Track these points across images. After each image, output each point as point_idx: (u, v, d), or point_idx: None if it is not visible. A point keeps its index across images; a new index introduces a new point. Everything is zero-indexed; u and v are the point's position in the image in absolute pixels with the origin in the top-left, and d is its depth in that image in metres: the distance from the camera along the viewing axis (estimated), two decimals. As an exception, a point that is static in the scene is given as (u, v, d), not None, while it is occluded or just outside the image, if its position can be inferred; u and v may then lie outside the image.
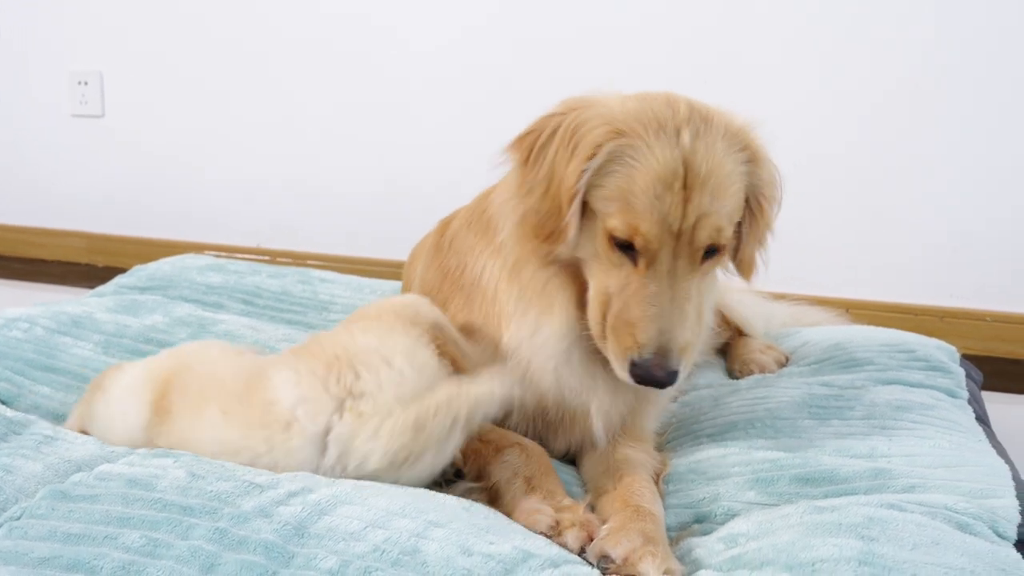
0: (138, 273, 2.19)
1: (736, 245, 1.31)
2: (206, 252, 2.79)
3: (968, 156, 2.24)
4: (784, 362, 1.80)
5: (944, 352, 1.74)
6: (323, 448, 1.14)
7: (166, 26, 2.91)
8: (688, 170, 1.17)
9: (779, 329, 1.99)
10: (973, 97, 2.21)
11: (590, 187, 1.21)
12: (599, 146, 1.19)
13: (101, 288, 2.12)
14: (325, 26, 2.73)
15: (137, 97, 3.00)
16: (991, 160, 2.22)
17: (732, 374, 1.80)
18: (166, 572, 0.96)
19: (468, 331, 1.41)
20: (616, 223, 1.19)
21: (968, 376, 1.69)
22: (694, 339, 1.22)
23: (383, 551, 0.97)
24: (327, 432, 1.14)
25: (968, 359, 1.91)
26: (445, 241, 1.59)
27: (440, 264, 1.58)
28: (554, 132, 1.25)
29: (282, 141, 2.85)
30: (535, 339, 1.32)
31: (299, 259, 2.82)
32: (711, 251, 1.22)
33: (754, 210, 1.28)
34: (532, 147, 1.27)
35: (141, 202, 3.06)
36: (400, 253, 2.61)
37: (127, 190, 3.07)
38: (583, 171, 1.20)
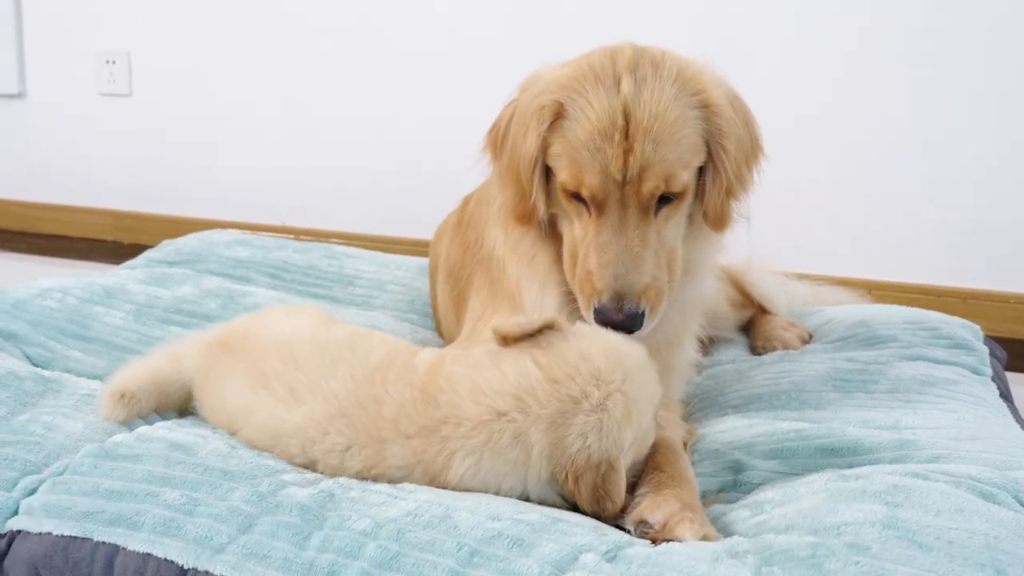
0: (167, 248, 2.22)
1: (701, 195, 1.30)
2: (230, 230, 2.82)
3: (992, 137, 2.22)
4: (807, 339, 1.80)
5: (968, 330, 1.74)
6: None
7: (194, 6, 2.93)
8: (629, 119, 1.19)
9: (801, 308, 2.00)
10: (994, 77, 2.20)
11: (546, 151, 1.26)
12: (542, 108, 1.23)
13: (131, 261, 2.15)
14: (345, 10, 2.74)
15: (164, 77, 3.03)
16: (1015, 140, 2.21)
17: (755, 351, 1.80)
18: (204, 529, 0.99)
19: (496, 301, 1.43)
20: (565, 176, 1.24)
21: (992, 354, 1.70)
22: (657, 283, 1.22)
23: (415, 515, 1.00)
24: None
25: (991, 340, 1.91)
26: (466, 216, 1.63)
27: (462, 239, 1.61)
28: (511, 119, 1.31)
29: (303, 122, 2.87)
30: (543, 308, 1.36)
31: (323, 238, 2.84)
32: (665, 198, 1.23)
33: (715, 158, 1.26)
34: (497, 140, 1.34)
35: (167, 180, 3.09)
36: (419, 232, 2.63)
37: (153, 169, 3.10)
38: (536, 140, 1.24)
